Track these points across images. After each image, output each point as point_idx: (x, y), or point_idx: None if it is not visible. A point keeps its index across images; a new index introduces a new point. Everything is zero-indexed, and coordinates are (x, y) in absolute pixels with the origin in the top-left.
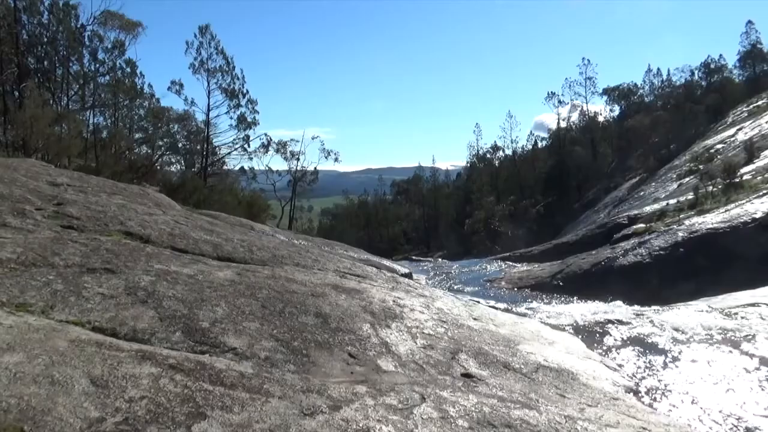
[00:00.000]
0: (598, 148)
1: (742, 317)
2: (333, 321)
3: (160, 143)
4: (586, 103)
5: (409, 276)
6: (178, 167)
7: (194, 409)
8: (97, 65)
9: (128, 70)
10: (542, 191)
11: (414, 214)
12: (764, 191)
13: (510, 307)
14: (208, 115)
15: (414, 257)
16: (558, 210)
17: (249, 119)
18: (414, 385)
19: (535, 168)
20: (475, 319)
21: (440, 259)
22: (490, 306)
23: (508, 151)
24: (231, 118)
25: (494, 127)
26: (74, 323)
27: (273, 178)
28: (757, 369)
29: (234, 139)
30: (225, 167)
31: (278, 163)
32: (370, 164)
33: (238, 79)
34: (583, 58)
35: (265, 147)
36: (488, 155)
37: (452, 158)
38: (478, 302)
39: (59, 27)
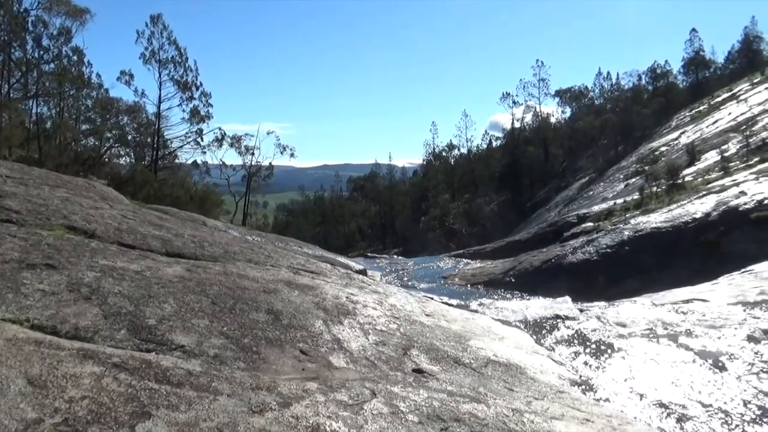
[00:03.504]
0: (550, 148)
1: (681, 313)
2: (285, 318)
3: (109, 135)
4: (539, 104)
5: (363, 272)
6: (128, 160)
7: (138, 408)
8: (42, 52)
9: (75, 58)
10: (496, 190)
11: (370, 211)
12: (704, 192)
13: (462, 304)
14: (159, 107)
15: (370, 254)
16: (511, 208)
17: (202, 113)
18: (365, 381)
19: (490, 167)
20: (427, 315)
21: (396, 256)
22: (443, 302)
23: (464, 150)
24: (183, 111)
25: (450, 125)
26: (11, 321)
27: (227, 172)
28: (694, 361)
29: (186, 133)
30: (177, 161)
31: (233, 158)
32: (326, 160)
33: (191, 70)
34: (537, 60)
35: (219, 141)
36: (444, 153)
37: (409, 156)
38: (432, 298)
39: (0, 11)
